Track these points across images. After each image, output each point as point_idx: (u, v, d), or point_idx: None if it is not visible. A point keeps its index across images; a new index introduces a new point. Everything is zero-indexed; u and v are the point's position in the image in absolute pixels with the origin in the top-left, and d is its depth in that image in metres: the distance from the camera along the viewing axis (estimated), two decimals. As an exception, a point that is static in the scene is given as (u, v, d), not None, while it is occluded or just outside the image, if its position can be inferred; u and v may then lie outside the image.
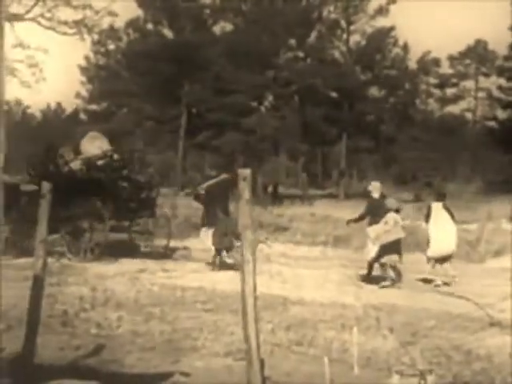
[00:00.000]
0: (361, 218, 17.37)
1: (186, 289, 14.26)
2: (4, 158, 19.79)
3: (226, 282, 14.76)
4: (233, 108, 59.60)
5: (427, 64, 68.10)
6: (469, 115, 72.65)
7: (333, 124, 62.72)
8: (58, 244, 18.89)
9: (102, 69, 68.90)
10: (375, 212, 16.65)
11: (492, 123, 70.17)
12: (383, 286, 15.88)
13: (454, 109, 71.51)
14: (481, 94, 71.22)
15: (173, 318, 11.34)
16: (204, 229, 18.69)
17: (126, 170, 20.46)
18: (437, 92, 70.45)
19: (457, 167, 60.09)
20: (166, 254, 20.42)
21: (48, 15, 42.17)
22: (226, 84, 59.64)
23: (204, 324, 10.88)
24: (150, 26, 67.54)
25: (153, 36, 66.02)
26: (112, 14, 45.84)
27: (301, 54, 65.82)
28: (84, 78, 70.21)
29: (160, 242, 20.97)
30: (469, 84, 71.17)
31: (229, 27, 66.39)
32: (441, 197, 17.68)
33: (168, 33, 66.78)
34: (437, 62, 68.75)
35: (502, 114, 68.89)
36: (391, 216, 16.23)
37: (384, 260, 16.18)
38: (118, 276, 15.84)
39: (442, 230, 16.75)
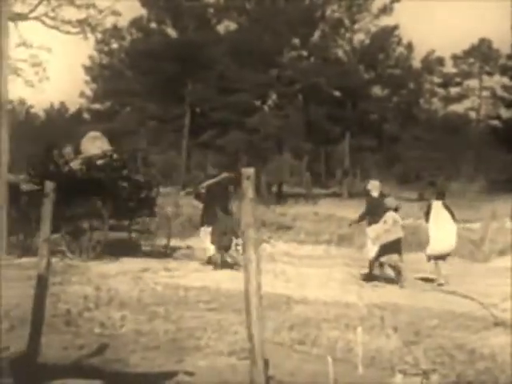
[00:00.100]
0: (362, 218, 17.40)
1: (190, 288, 14.25)
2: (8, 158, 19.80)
3: (230, 281, 14.75)
4: (236, 107, 59.65)
5: (431, 63, 68.10)
6: (472, 114, 72.68)
7: (336, 123, 62.78)
8: (58, 243, 18.91)
9: (106, 68, 68.97)
10: (374, 211, 16.66)
11: (496, 122, 70.19)
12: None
13: (457, 108, 71.55)
14: (485, 93, 71.23)
15: (177, 318, 11.34)
16: (203, 228, 18.74)
17: (125, 169, 20.48)
18: (441, 91, 70.46)
19: (460, 166, 60.06)
20: (167, 253, 20.44)
21: (52, 14, 42.14)
22: (229, 83, 59.70)
23: (208, 323, 10.87)
24: (153, 25, 67.65)
25: (156, 35, 66.07)
26: (115, 13, 45.75)
27: (304, 53, 65.89)
28: (88, 78, 70.35)
29: (161, 241, 20.98)
30: (473, 83, 71.20)
31: (232, 26, 66.58)
32: (440, 195, 17.67)
33: (171, 32, 66.89)
34: (441, 61, 68.76)
35: (505, 113, 68.97)
36: (390, 215, 16.24)
37: (384, 259, 16.20)
38: (121, 275, 15.84)
39: (441, 228, 16.74)
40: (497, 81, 69.83)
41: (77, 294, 13.14)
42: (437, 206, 17.07)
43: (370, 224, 16.70)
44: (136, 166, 20.94)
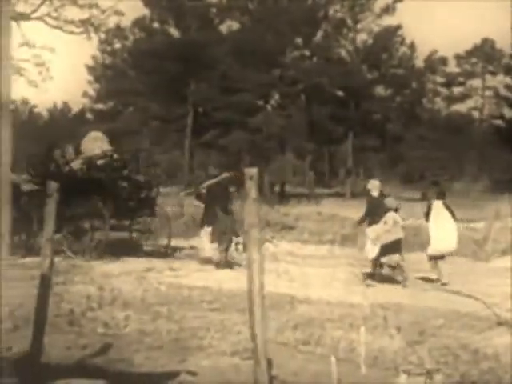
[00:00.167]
0: (363, 220, 17.39)
1: (193, 288, 14.26)
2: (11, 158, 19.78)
3: (233, 280, 14.75)
4: (239, 107, 59.63)
5: (434, 63, 68.02)
6: (476, 114, 72.58)
7: (339, 123, 62.74)
8: (60, 243, 18.92)
9: (109, 68, 68.92)
10: (375, 211, 16.67)
11: (499, 122, 70.09)
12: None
13: (460, 107, 71.44)
14: (488, 93, 71.12)
15: (180, 317, 11.34)
16: (204, 228, 18.78)
17: (126, 169, 20.50)
18: (444, 91, 70.35)
19: (464, 166, 60.04)
20: (167, 252, 20.47)
21: (54, 14, 42.22)
22: (232, 83, 59.67)
23: (211, 323, 10.87)
24: (156, 24, 67.59)
25: (159, 35, 66.03)
26: (118, 13, 45.85)
27: (307, 53, 65.81)
28: (91, 77, 70.27)
29: (162, 241, 21.01)
30: (476, 83, 71.09)
31: (235, 26, 66.48)
32: (441, 195, 17.63)
33: (174, 32, 66.83)
34: (444, 61, 68.67)
35: (508, 113, 68.84)
36: (390, 215, 16.23)
37: (385, 260, 16.19)
38: (125, 275, 15.84)
39: (442, 228, 16.72)
40: (500, 80, 69.80)
41: (80, 293, 13.15)
42: (437, 205, 17.05)
43: (370, 224, 16.70)
44: (137, 166, 20.96)
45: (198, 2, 64.25)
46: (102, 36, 49.97)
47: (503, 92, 69.32)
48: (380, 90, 67.72)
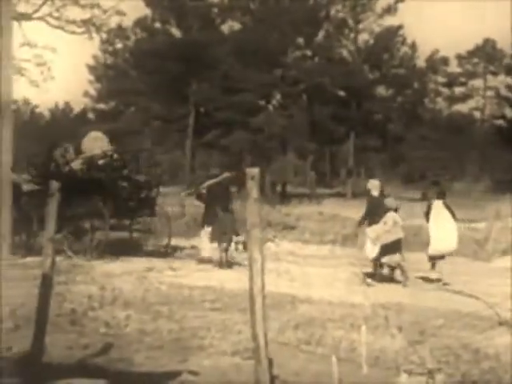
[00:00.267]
0: (363, 221, 17.38)
1: (194, 287, 14.26)
2: (12, 158, 19.81)
3: (234, 280, 14.75)
4: (241, 107, 59.63)
5: (435, 63, 68.04)
6: (477, 114, 72.70)
7: (341, 123, 62.73)
8: (60, 243, 18.94)
9: (110, 68, 68.98)
10: (375, 211, 16.67)
11: (500, 122, 70.17)
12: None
13: (462, 107, 71.57)
14: (489, 93, 71.22)
15: (181, 317, 11.34)
16: (205, 228, 18.82)
17: (126, 169, 20.52)
18: (445, 91, 70.41)
19: (465, 166, 60.09)
20: (167, 252, 20.49)
21: (56, 14, 42.15)
22: (233, 83, 59.67)
23: (212, 323, 10.87)
24: (157, 24, 67.64)
25: (160, 35, 66.06)
26: (120, 13, 45.77)
27: (309, 53, 65.84)
28: (92, 77, 70.33)
29: (163, 240, 21.03)
30: (477, 83, 71.19)
31: (237, 26, 66.53)
32: (441, 195, 17.63)
33: (176, 32, 66.88)
34: (445, 61, 68.70)
35: (510, 113, 68.96)
36: (390, 216, 16.23)
37: (385, 260, 16.20)
38: (126, 275, 15.85)
39: (442, 228, 16.73)
40: (501, 81, 69.87)
41: (81, 293, 13.15)
42: (437, 205, 17.05)
43: (370, 224, 16.70)
44: (137, 165, 20.99)
45: (200, 2, 64.27)
46: (104, 36, 49.82)
47: (504, 92, 69.41)
48: (381, 90, 67.79)
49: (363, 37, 66.61)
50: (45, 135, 56.67)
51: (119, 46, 68.01)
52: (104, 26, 44.38)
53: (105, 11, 43.03)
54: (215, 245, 18.35)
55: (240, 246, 18.33)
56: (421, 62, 67.72)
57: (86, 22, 42.63)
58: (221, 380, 8.15)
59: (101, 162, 20.07)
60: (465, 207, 28.83)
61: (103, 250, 18.83)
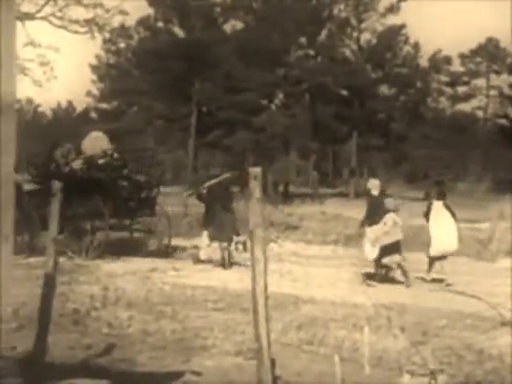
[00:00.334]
0: (367, 219, 17.36)
1: (197, 288, 14.27)
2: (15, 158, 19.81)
3: (236, 280, 14.76)
4: (243, 106, 59.62)
5: (438, 62, 68.01)
6: (480, 113, 72.67)
7: (343, 122, 62.72)
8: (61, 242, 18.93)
9: (113, 67, 69.04)
10: (375, 211, 16.65)
11: (503, 121, 70.13)
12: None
13: (465, 107, 71.57)
14: (492, 92, 71.19)
15: (183, 317, 11.34)
16: (205, 228, 18.87)
17: (126, 169, 20.54)
18: (448, 90, 70.38)
19: (468, 165, 59.99)
20: (167, 252, 20.51)
21: (59, 14, 42.23)
22: (236, 82, 59.68)
23: (215, 323, 10.88)
24: (160, 24, 67.65)
25: (163, 34, 66.09)
26: (123, 12, 45.80)
27: (311, 52, 65.83)
28: (95, 77, 70.44)
29: (165, 240, 21.04)
30: (480, 82, 71.18)
31: (239, 25, 66.54)
32: (441, 195, 17.61)
33: (178, 31, 66.88)
34: (448, 60, 68.67)
35: (512, 112, 68.86)
36: (390, 217, 16.21)
37: (386, 260, 16.18)
38: (129, 275, 15.86)
39: (442, 228, 16.71)
40: (504, 80, 69.83)
41: (84, 293, 13.16)
42: (437, 206, 17.04)
43: (370, 224, 16.68)
44: (138, 165, 21.01)
45: (203, 2, 64.31)
46: (107, 35, 49.91)
47: (507, 91, 69.37)
48: (384, 90, 67.75)
49: (366, 36, 66.72)
50: (47, 135, 56.67)
51: (122, 45, 68.16)
52: (107, 26, 44.45)
53: (108, 11, 43.09)
54: (215, 245, 18.40)
55: (240, 246, 18.34)
56: (424, 61, 67.81)
57: (88, 22, 42.68)
58: (223, 380, 8.16)
59: (101, 161, 20.08)
60: (467, 207, 28.81)
61: (103, 250, 18.85)
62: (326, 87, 62.01)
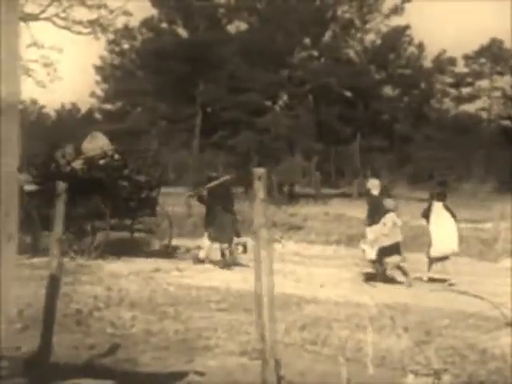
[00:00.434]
0: (369, 219, 17.38)
1: (201, 288, 14.29)
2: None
3: (239, 281, 14.77)
4: (247, 107, 59.66)
5: (442, 63, 67.99)
6: (484, 114, 72.58)
7: (347, 123, 62.72)
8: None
9: (117, 68, 69.07)
10: (375, 211, 16.67)
11: (507, 122, 70.09)
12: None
13: (469, 108, 71.51)
14: (496, 93, 71.08)
15: (187, 318, 11.35)
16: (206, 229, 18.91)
17: (126, 169, 20.57)
18: (452, 91, 70.35)
19: (471, 166, 59.92)
20: (168, 252, 20.53)
21: (63, 15, 42.32)
22: (240, 83, 59.70)
23: (218, 323, 10.89)
24: (164, 25, 67.75)
25: (167, 35, 66.14)
26: (126, 13, 45.96)
27: (315, 53, 65.84)
28: (99, 78, 70.44)
29: (164, 240, 21.07)
30: (484, 83, 71.07)
31: (243, 26, 66.63)
32: (441, 196, 17.63)
33: (182, 32, 66.98)
34: (452, 61, 68.65)
35: (516, 113, 68.81)
36: (390, 217, 16.22)
37: (386, 261, 16.20)
38: (132, 275, 15.88)
39: (442, 229, 16.74)
40: (508, 81, 69.73)
41: (88, 293, 13.18)
42: (437, 207, 17.07)
43: (370, 224, 16.69)
44: (138, 165, 21.04)
45: (206, 2, 64.34)
46: (110, 36, 50.11)
47: (511, 92, 69.24)
48: (388, 91, 67.80)
49: (370, 37, 66.78)
50: (51, 135, 56.67)
51: (126, 46, 68.20)
52: (111, 27, 44.57)
53: (111, 11, 43.19)
54: (216, 245, 18.45)
55: (240, 248, 18.37)
56: (428, 63, 67.83)
57: (92, 23, 42.77)
58: (227, 380, 8.16)
59: (101, 161, 20.12)
60: (471, 207, 28.83)
61: (104, 250, 18.87)
62: (330, 88, 62.02)
